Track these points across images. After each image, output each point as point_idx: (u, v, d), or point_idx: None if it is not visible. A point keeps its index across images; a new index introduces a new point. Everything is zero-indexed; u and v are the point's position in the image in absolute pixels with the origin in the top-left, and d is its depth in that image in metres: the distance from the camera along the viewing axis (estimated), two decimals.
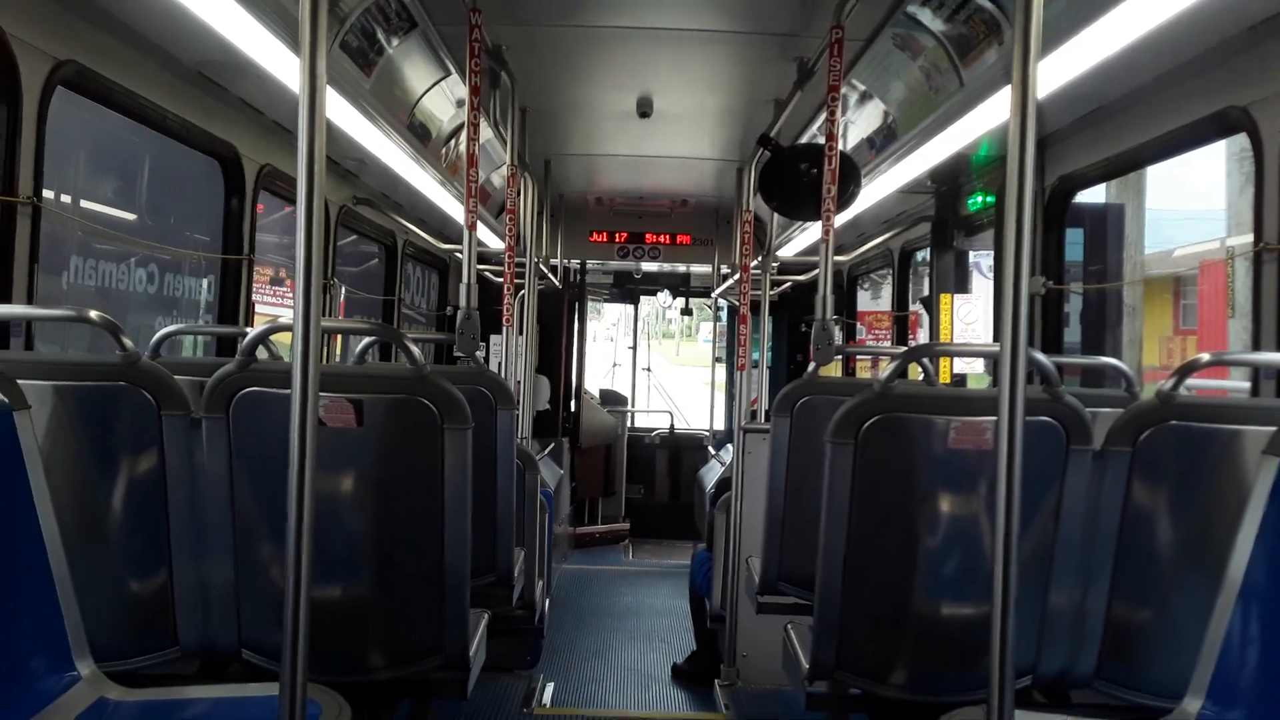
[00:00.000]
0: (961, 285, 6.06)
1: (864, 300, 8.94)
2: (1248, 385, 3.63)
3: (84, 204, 5.89)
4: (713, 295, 10.02)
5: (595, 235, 9.50)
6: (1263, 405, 2.93)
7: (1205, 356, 2.80)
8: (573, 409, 10.37)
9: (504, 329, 5.15)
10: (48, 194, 3.31)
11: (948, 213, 6.01)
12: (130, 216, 6.55)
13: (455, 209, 6.43)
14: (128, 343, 2.59)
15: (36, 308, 3.21)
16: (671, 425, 12.02)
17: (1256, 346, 3.26)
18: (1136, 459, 2.66)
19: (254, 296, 4.84)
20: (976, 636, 2.68)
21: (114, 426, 2.63)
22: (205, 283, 6.41)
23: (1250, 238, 3.29)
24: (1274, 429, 2.31)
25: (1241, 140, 3.39)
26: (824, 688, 2.94)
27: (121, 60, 3.58)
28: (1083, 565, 2.72)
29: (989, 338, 5.63)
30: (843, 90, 4.17)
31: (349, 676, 2.66)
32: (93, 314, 2.60)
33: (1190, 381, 2.72)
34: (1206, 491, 2.65)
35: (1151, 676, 2.67)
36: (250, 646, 2.71)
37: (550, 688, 5.31)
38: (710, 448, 9.60)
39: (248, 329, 4.06)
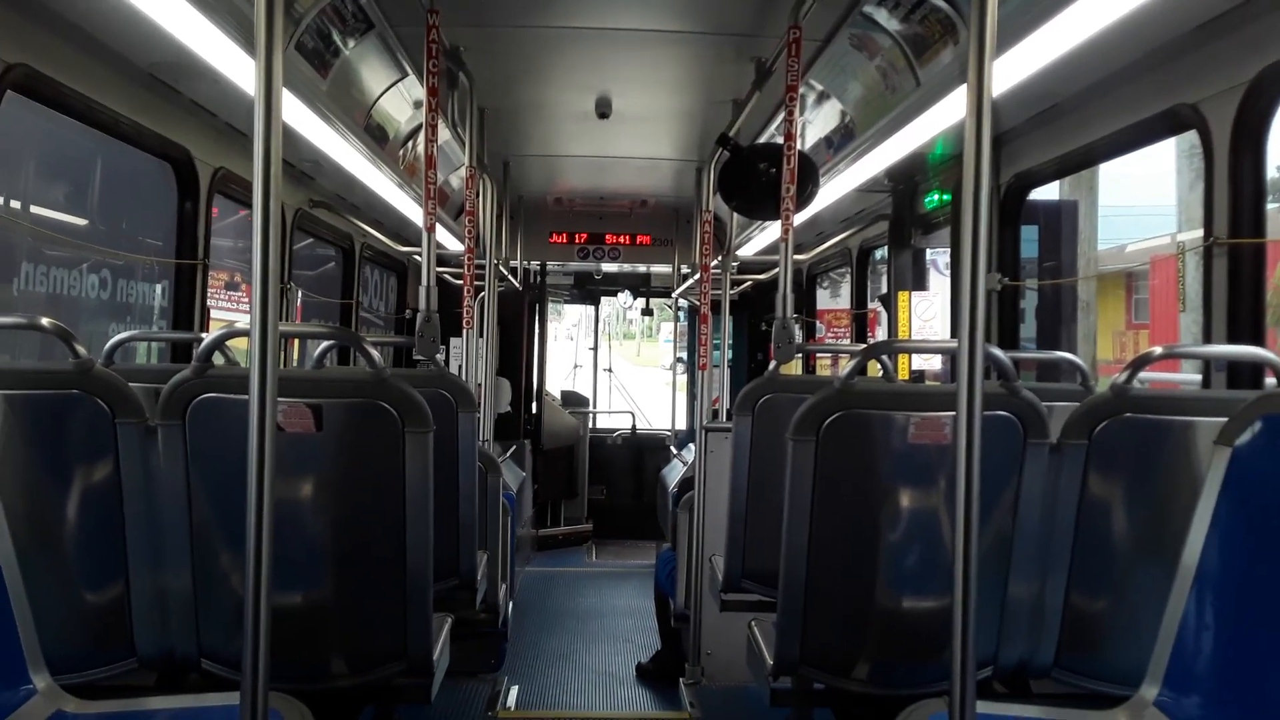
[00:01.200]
0: (919, 283, 6.12)
1: (823, 299, 9.00)
2: (1199, 377, 3.70)
3: (34, 209, 5.80)
4: (673, 295, 10.04)
5: (555, 236, 9.48)
6: (1214, 396, 2.98)
7: (1158, 350, 2.85)
8: (534, 411, 10.34)
9: (464, 331, 5.12)
10: None
11: (905, 211, 6.07)
12: (81, 221, 6.45)
13: (414, 211, 6.39)
14: (80, 350, 2.55)
15: None
16: (633, 426, 12.02)
17: (1207, 339, 3.32)
18: (1092, 451, 2.70)
19: (209, 302, 4.78)
20: (938, 629, 2.71)
21: (67, 435, 2.58)
22: (159, 288, 6.32)
23: (1200, 233, 3.35)
24: (1225, 420, 2.35)
25: (1191, 137, 3.45)
26: (788, 683, 2.95)
27: (72, 63, 3.52)
28: (1041, 557, 2.75)
29: (946, 334, 5.69)
30: (801, 90, 4.19)
31: (311, 684, 2.63)
32: (44, 321, 2.56)
33: (1143, 374, 2.76)
34: (1161, 482, 2.69)
35: (1110, 665, 2.71)
36: (210, 655, 2.67)
37: (515, 690, 5.30)
38: (672, 447, 9.61)
39: (203, 334, 4.01)
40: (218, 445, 2.57)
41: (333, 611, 2.72)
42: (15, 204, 5.55)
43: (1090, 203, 11.42)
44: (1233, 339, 3.21)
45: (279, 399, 1.90)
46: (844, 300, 8.40)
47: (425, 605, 2.71)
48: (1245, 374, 3.24)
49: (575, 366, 14.13)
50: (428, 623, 2.73)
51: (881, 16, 4.30)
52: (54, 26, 3.34)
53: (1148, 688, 2.29)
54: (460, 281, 5.15)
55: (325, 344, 3.65)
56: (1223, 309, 3.24)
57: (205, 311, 4.72)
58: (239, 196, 4.97)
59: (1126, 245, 15.25)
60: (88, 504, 2.62)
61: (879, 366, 3.99)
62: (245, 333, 1.82)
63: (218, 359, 2.89)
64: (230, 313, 7.02)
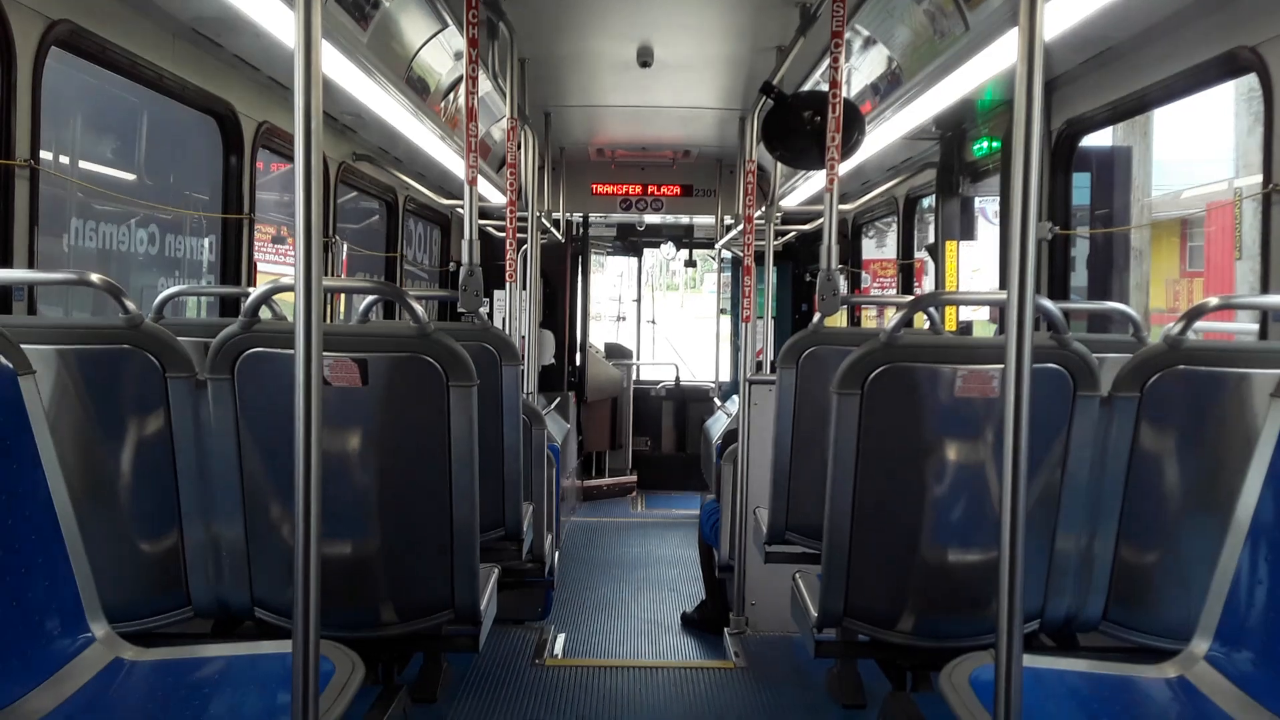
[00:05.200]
0: (967, 232, 6.02)
1: (869, 249, 8.89)
2: (1256, 328, 3.61)
3: (82, 165, 5.87)
4: (716, 246, 9.98)
5: (597, 188, 9.44)
6: (1271, 348, 2.91)
7: (1213, 300, 2.78)
8: (578, 363, 10.37)
9: (507, 284, 5.13)
10: (45, 155, 3.28)
11: (953, 159, 5.96)
12: (129, 177, 6.52)
13: (455, 164, 6.38)
14: (130, 305, 2.59)
15: (38, 271, 3.20)
16: (677, 377, 12.02)
17: (1265, 289, 3.24)
18: (1144, 404, 2.65)
19: (255, 256, 4.82)
20: (984, 582, 2.70)
21: (119, 389, 2.63)
22: (206, 243, 6.40)
23: (1259, 178, 3.26)
24: None
25: (1250, 80, 3.34)
26: (832, 635, 2.96)
27: (115, 19, 3.53)
28: (1090, 510, 2.72)
29: (994, 284, 5.61)
30: (846, 36, 4.10)
31: (361, 633, 2.68)
32: (94, 277, 2.60)
33: (1198, 325, 2.70)
34: (1214, 435, 2.64)
35: (1159, 619, 2.69)
36: (262, 605, 2.73)
37: (561, 639, 5.36)
38: (716, 399, 9.61)
39: (250, 289, 4.04)
40: (266, 399, 2.60)
41: (381, 562, 2.77)
42: (64, 159, 5.61)
43: (1145, 149, 11.15)
44: None
45: (325, 353, 1.91)
46: (890, 250, 8.29)
47: (472, 555, 2.74)
48: None
49: (619, 318, 14.12)
50: (475, 572, 2.76)
51: None
52: None
53: (1199, 642, 2.27)
54: (503, 234, 5.15)
55: (370, 298, 3.67)
56: None
57: (252, 265, 4.77)
58: (283, 150, 4.99)
59: (1182, 192, 14.88)
60: (140, 457, 2.67)
61: (925, 318, 3.94)
62: (291, 287, 1.82)
63: (265, 313, 2.92)
64: (277, 266, 7.08)
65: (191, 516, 2.68)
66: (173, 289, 3.75)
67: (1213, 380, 2.62)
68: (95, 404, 2.61)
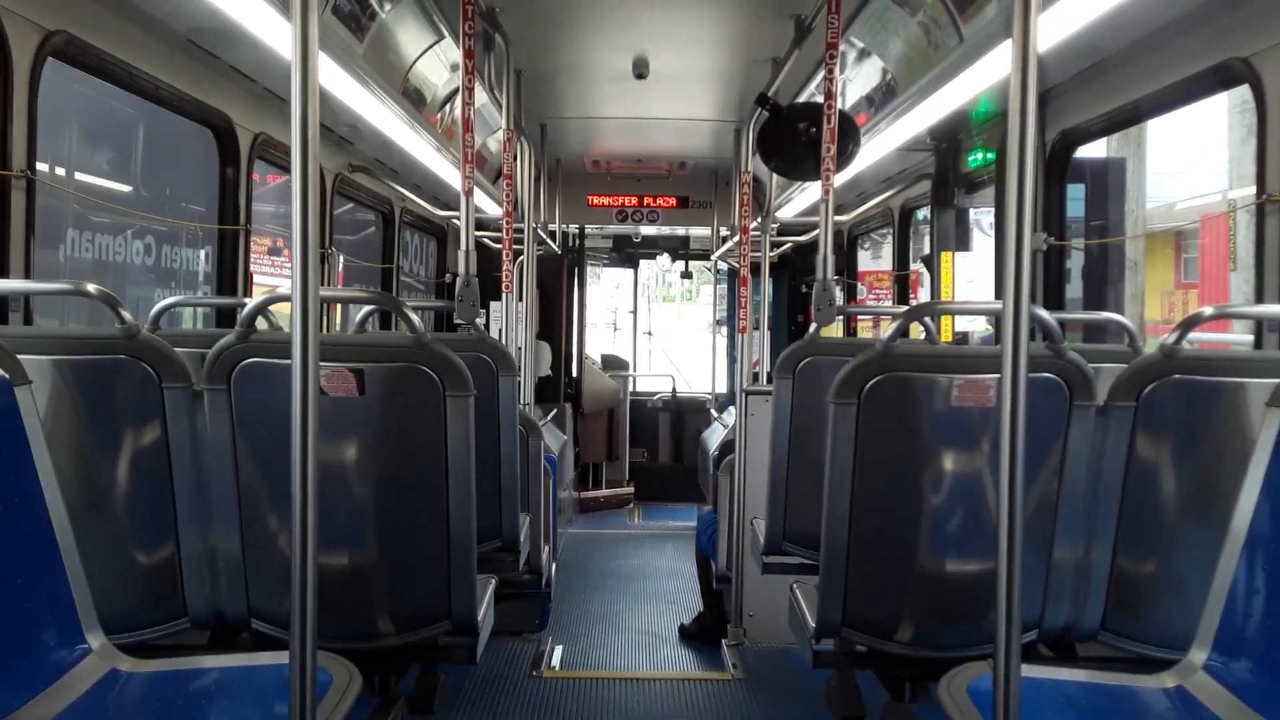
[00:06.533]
0: (962, 243, 6.04)
1: (864, 260, 8.91)
2: (1250, 338, 3.62)
3: (79, 176, 5.86)
4: (713, 258, 9.98)
5: (593, 199, 9.45)
6: (1266, 358, 2.92)
7: (1208, 310, 2.79)
8: (574, 374, 10.37)
9: (504, 295, 5.13)
10: (41, 167, 3.28)
11: (948, 170, 5.98)
12: (126, 188, 6.52)
13: (452, 175, 6.38)
14: (126, 315, 2.59)
15: (34, 282, 3.20)
16: (674, 388, 12.01)
17: (1259, 299, 3.24)
18: (1140, 413, 2.66)
19: (252, 267, 4.82)
20: (982, 592, 2.70)
21: (115, 400, 2.63)
22: (203, 254, 6.39)
23: (1252, 190, 3.27)
24: (1277, 381, 2.30)
25: (1244, 92, 3.36)
26: (830, 645, 2.96)
27: (112, 29, 3.54)
28: (1087, 520, 2.72)
29: (990, 295, 5.62)
30: (841, 48, 4.12)
31: (358, 644, 2.67)
32: (90, 287, 2.60)
33: (1193, 335, 2.71)
34: (1210, 444, 2.65)
35: (1157, 628, 2.69)
36: (259, 616, 2.72)
37: (559, 651, 5.34)
38: (713, 410, 9.60)
39: (246, 299, 4.04)
40: (263, 409, 2.60)
41: (378, 573, 2.76)
42: (60, 171, 5.61)
43: (1138, 160, 11.19)
44: None
45: (321, 364, 1.91)
46: (885, 262, 8.31)
47: (469, 566, 2.74)
48: None
49: (614, 328, 14.13)
50: (472, 584, 2.76)
51: None
52: None
53: (1196, 651, 2.27)
54: (499, 245, 5.16)
55: (366, 309, 3.68)
56: (1275, 268, 3.17)
57: (248, 276, 4.77)
58: (279, 161, 5.00)
59: (1176, 203, 14.92)
60: (137, 467, 2.66)
61: (921, 329, 3.95)
62: (288, 298, 1.83)
63: (261, 324, 2.92)
64: (273, 278, 7.08)
65: (188, 527, 2.67)
66: (169, 299, 3.75)
67: (1208, 389, 2.62)
68: (91, 414, 2.61)
